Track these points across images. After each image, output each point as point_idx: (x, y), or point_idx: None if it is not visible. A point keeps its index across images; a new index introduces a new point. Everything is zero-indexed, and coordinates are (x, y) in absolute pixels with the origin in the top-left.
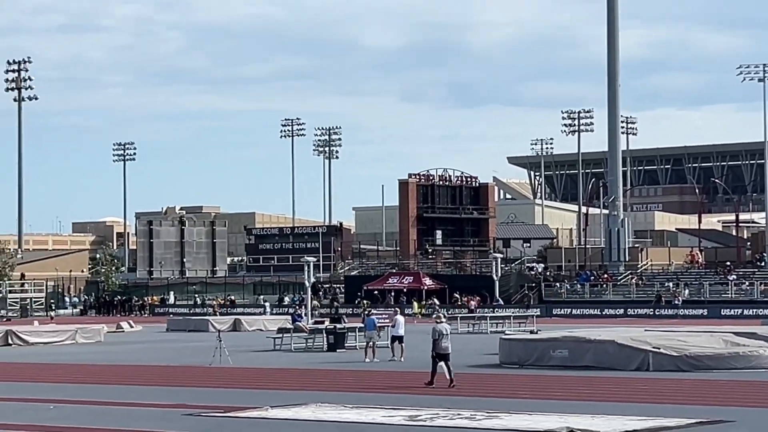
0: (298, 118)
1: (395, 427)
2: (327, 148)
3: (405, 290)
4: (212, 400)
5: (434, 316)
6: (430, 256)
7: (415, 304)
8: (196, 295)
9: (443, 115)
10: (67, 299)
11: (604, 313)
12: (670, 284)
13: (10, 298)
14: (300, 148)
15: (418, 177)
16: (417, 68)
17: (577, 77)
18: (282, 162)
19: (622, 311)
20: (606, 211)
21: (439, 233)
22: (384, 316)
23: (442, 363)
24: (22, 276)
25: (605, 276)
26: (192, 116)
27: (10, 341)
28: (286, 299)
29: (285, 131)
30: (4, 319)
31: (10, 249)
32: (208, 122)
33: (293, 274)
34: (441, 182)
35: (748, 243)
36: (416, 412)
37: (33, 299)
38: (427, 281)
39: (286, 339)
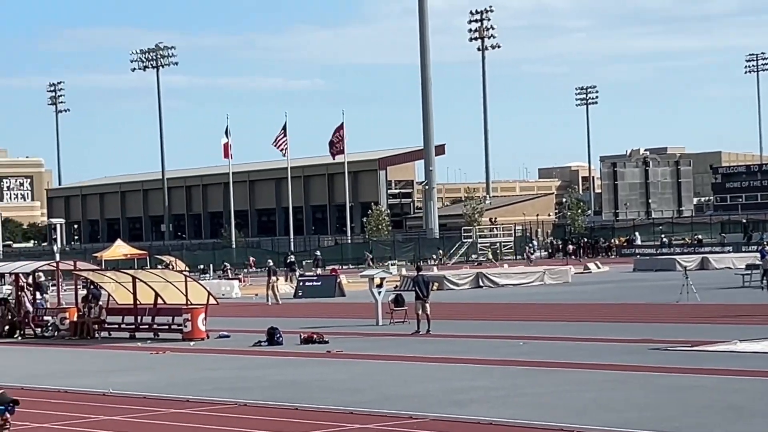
0: (762, 53)
1: None
2: None
3: None
4: (679, 335)
5: None
6: None
7: None
8: (663, 236)
9: None
10: (534, 242)
11: None
12: None
13: (480, 243)
14: (766, 83)
15: None
16: None
17: None
18: (747, 98)
19: None
20: None
21: None
22: None
23: None
24: (491, 221)
25: None
26: (653, 57)
27: (480, 283)
28: (755, 237)
29: (750, 67)
30: (476, 264)
31: (479, 196)
32: (669, 62)
33: (762, 212)
34: None
35: None
36: None
37: (502, 243)
38: None
39: (755, 275)
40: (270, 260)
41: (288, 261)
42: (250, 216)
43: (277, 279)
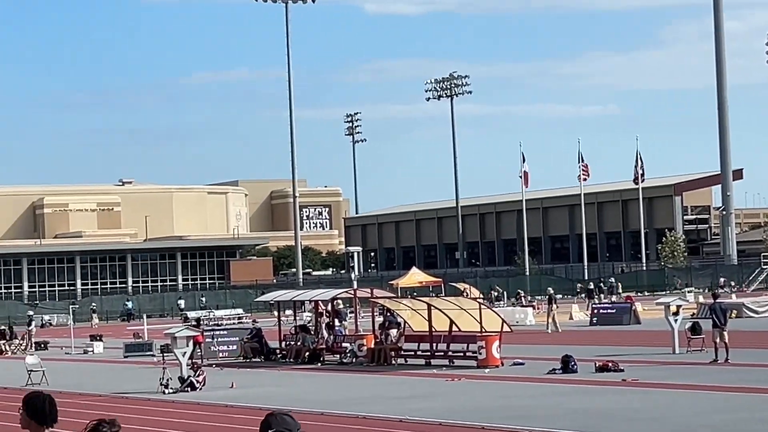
0: None
1: None
2: None
3: None
4: None
5: None
6: None
7: None
8: None
9: None
10: None
11: None
12: None
13: None
14: None
15: None
16: None
17: None
18: None
19: None
20: None
21: None
22: None
23: None
24: None
25: None
26: None
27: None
28: None
29: None
30: None
31: None
32: None
33: None
34: None
35: None
36: None
37: None
38: None
39: None
40: (550, 288)
41: (588, 288)
42: (543, 243)
43: (557, 307)
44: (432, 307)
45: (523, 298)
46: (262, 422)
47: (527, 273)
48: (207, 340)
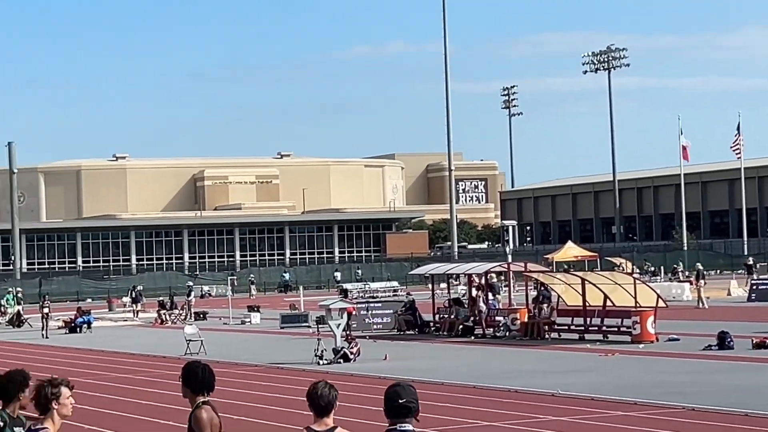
0: None
1: None
2: None
3: None
4: None
5: None
6: None
7: None
8: None
9: None
10: None
11: None
12: None
13: None
14: None
15: None
16: None
17: None
18: None
19: None
20: None
21: None
22: None
23: None
24: None
25: None
26: None
27: None
28: None
29: None
30: None
31: None
32: None
33: None
34: None
35: None
36: None
37: None
38: None
39: None
40: (698, 264)
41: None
42: (702, 218)
43: (705, 283)
44: (586, 282)
45: (680, 274)
46: (389, 392)
47: (685, 248)
48: (361, 312)
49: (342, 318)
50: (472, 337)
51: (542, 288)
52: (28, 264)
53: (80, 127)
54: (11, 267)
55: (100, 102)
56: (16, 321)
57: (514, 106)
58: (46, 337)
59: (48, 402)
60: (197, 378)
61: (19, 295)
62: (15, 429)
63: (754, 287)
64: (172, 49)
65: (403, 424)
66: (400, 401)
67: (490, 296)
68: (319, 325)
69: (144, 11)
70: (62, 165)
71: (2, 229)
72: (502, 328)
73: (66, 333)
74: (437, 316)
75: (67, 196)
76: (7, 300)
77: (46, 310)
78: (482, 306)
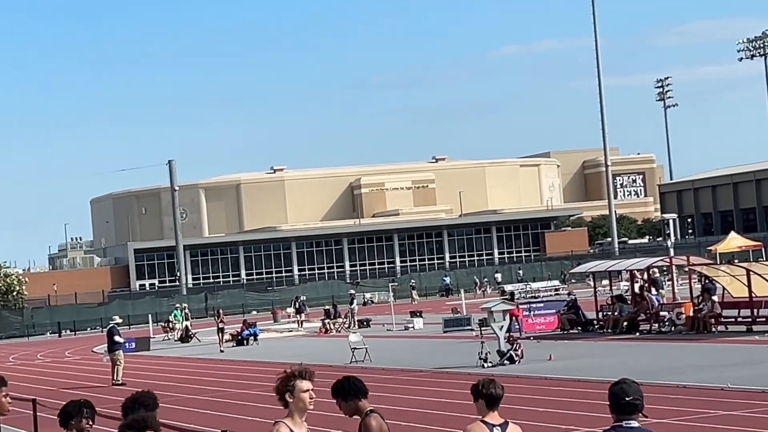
0: None
1: None
2: None
3: None
4: None
5: None
6: None
7: None
8: None
9: None
10: None
11: None
12: None
13: None
14: None
15: None
16: None
17: None
18: None
19: None
20: None
21: None
22: None
23: None
24: None
25: None
26: None
27: None
28: None
29: None
30: None
31: None
32: None
33: None
34: None
35: None
36: None
37: None
38: None
39: None
40: None
41: None
42: None
43: None
44: (751, 272)
45: None
46: (615, 390)
47: None
48: (524, 313)
49: (504, 320)
50: (637, 334)
51: (706, 281)
52: (193, 279)
53: (238, 141)
54: (177, 283)
55: (256, 116)
56: (185, 336)
57: (669, 97)
58: (222, 351)
59: (282, 395)
60: (341, 388)
61: (186, 310)
62: None
63: None
64: (330, 58)
65: (630, 421)
66: (627, 398)
67: (653, 291)
68: (482, 328)
69: (300, 22)
70: (222, 180)
71: (167, 246)
72: (667, 323)
73: (233, 346)
74: (600, 314)
75: (228, 211)
76: (176, 316)
77: (221, 325)
78: (654, 300)
